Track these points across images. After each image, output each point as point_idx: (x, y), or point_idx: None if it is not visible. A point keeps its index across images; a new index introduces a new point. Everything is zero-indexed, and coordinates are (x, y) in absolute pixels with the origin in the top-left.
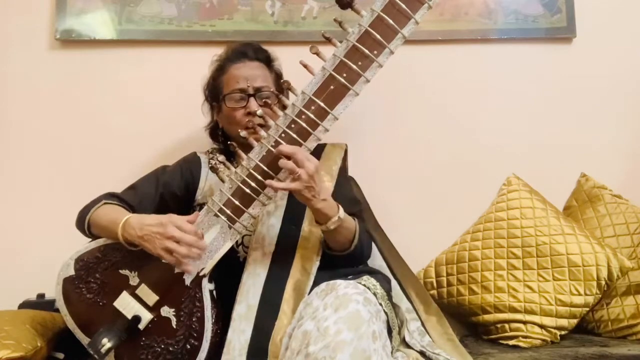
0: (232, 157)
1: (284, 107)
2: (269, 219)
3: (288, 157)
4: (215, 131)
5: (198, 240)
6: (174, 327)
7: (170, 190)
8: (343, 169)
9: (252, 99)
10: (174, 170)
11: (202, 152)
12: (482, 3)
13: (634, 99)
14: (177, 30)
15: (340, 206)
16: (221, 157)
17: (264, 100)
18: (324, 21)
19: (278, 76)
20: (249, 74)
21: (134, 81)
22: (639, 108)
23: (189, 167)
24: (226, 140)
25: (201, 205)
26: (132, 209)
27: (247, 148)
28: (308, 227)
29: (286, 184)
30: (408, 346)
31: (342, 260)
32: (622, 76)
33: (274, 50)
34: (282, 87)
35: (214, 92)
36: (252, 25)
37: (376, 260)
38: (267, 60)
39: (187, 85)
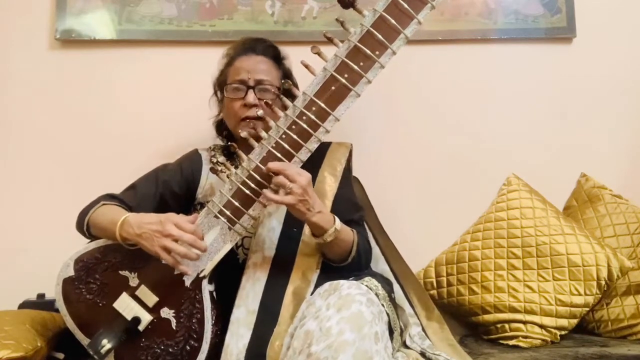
0: (234, 155)
1: (284, 107)
2: (270, 221)
3: (275, 173)
4: (221, 125)
5: (197, 240)
6: (174, 328)
7: (170, 189)
8: (347, 169)
9: (250, 91)
10: (175, 168)
11: (204, 148)
12: (482, 3)
13: (634, 99)
14: (177, 30)
15: (336, 218)
16: (221, 158)
17: (263, 93)
18: (324, 21)
19: (286, 74)
20: (252, 67)
21: (134, 81)
22: (639, 108)
23: (190, 165)
24: (229, 136)
25: (202, 204)
26: (131, 209)
27: (247, 148)
28: (309, 230)
29: (280, 197)
30: (408, 348)
31: (341, 270)
32: (622, 76)
33: None
34: (284, 87)
35: (220, 85)
36: (252, 25)
37: (379, 264)
38: (276, 58)
39: (187, 85)
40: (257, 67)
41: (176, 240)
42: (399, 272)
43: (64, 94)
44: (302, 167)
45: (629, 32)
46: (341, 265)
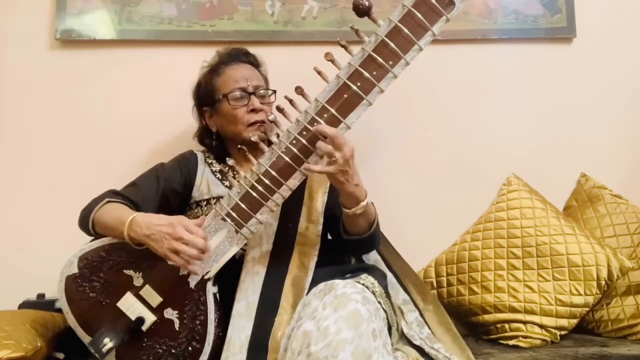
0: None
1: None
2: None
3: (325, 137)
4: (204, 136)
5: (207, 245)
6: (177, 329)
7: (171, 186)
8: None
9: (253, 97)
10: (173, 166)
11: (199, 150)
12: (482, 3)
13: (633, 99)
14: (177, 30)
15: (367, 192)
16: (231, 161)
17: (262, 98)
18: (324, 21)
19: (265, 79)
20: (246, 74)
21: (133, 81)
22: (639, 108)
23: (187, 164)
24: (220, 143)
25: (197, 203)
26: (136, 205)
27: (253, 151)
28: (305, 223)
29: (322, 167)
30: (407, 339)
31: (355, 245)
32: (622, 76)
33: (274, 50)
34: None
35: (207, 96)
36: (252, 25)
37: (371, 254)
38: (257, 64)
39: (187, 85)
40: (250, 74)
41: (186, 244)
42: (391, 260)
43: (64, 94)
44: None
45: (629, 32)
46: (361, 238)
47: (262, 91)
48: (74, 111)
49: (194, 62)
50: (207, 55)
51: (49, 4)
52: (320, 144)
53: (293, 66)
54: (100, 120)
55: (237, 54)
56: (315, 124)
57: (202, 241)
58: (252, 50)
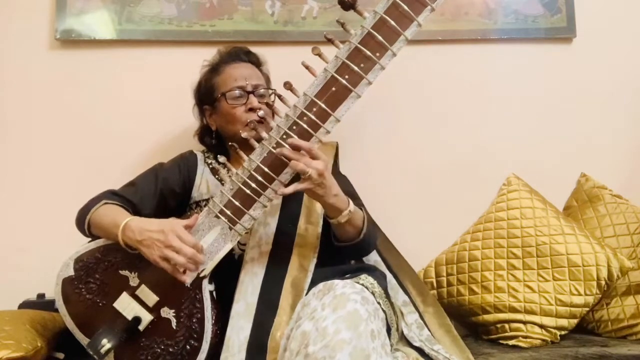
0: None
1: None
2: (265, 218)
3: (298, 149)
4: (204, 135)
5: (197, 254)
6: (174, 328)
7: (169, 186)
8: (334, 166)
9: (251, 96)
10: (172, 167)
11: (199, 150)
12: (482, 3)
13: (634, 99)
14: (177, 30)
15: (350, 200)
16: (222, 158)
17: (261, 98)
18: (324, 21)
19: (267, 79)
20: (246, 73)
21: (133, 81)
22: (639, 108)
23: (186, 164)
24: (220, 142)
25: (197, 203)
26: (133, 206)
27: (247, 148)
28: (305, 225)
29: (295, 187)
30: (407, 341)
31: (349, 251)
32: (622, 76)
33: (274, 50)
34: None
35: (207, 94)
36: (252, 25)
37: (371, 255)
38: (258, 63)
39: (187, 85)
40: (250, 73)
41: (177, 251)
42: (391, 261)
43: (64, 94)
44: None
45: (629, 31)
46: (352, 244)
47: (261, 90)
48: (74, 111)
49: (194, 62)
50: (207, 55)
51: (49, 4)
52: (292, 164)
53: (293, 66)
54: (100, 120)
55: (238, 53)
56: (304, 117)
57: (192, 251)
58: (253, 50)
